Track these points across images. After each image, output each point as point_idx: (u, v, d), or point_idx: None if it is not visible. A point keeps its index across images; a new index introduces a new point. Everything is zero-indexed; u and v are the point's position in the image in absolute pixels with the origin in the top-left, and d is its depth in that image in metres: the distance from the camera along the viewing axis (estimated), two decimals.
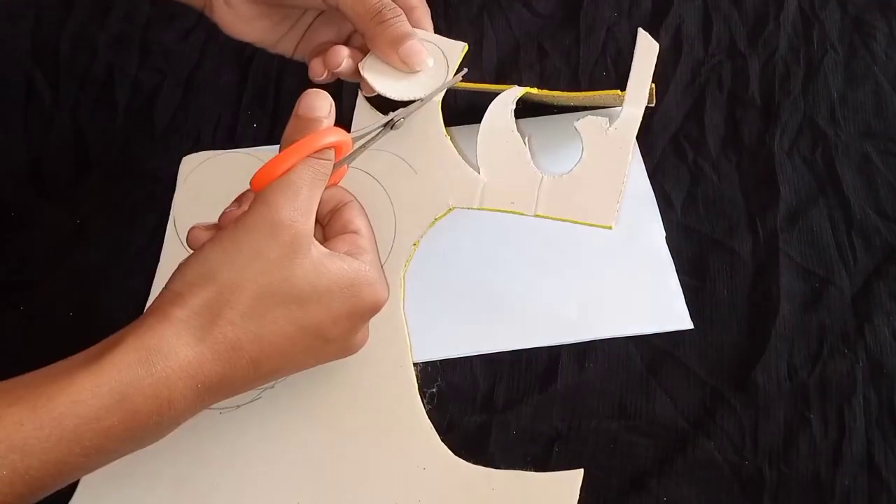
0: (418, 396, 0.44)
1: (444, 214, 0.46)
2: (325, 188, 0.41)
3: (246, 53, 0.60)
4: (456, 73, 0.48)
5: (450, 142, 0.47)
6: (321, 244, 0.39)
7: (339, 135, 0.40)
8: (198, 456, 0.43)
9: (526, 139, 0.47)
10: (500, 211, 0.45)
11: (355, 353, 0.42)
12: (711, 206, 0.53)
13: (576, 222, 0.44)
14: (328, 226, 0.42)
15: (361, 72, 0.47)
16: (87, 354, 0.34)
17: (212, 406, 0.43)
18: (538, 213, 0.45)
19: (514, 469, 0.43)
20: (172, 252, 0.49)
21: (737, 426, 0.45)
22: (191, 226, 0.48)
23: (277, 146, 0.55)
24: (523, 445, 0.45)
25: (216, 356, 0.35)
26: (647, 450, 0.45)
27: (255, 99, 0.58)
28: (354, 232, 0.41)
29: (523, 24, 0.62)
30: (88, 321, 0.48)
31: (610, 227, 0.44)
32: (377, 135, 0.45)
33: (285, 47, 0.50)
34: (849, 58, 0.60)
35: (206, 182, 0.51)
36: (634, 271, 0.49)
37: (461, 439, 0.45)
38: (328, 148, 0.39)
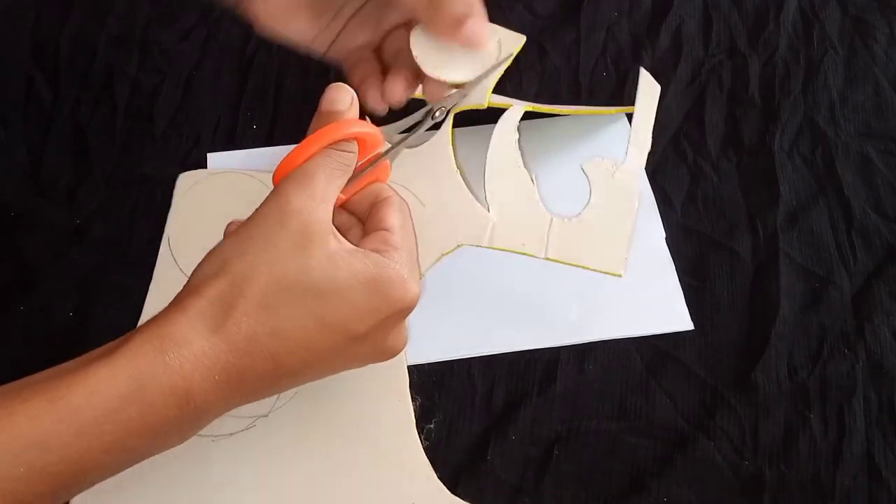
0: (416, 431, 0.44)
1: (452, 251, 0.46)
2: (367, 184, 0.40)
3: (246, 54, 0.60)
4: (505, 59, 0.46)
5: (461, 177, 0.47)
6: (356, 243, 0.37)
7: (361, 126, 0.38)
8: (190, 484, 0.42)
9: (533, 177, 0.48)
10: (510, 251, 0.46)
11: (394, 356, 0.40)
12: (711, 206, 0.53)
13: (586, 268, 0.45)
14: (366, 223, 0.41)
15: (412, 49, 0.44)
16: (104, 348, 0.33)
17: (204, 434, 0.42)
18: (549, 256, 0.45)
19: (514, 472, 0.43)
20: (165, 269, 0.48)
21: (737, 426, 0.45)
22: (184, 244, 0.48)
23: (276, 147, 0.55)
24: (523, 448, 0.45)
25: (232, 347, 0.33)
26: (647, 450, 0.45)
27: (255, 100, 0.58)
28: (385, 229, 0.39)
29: (524, 25, 0.62)
30: (88, 321, 0.48)
31: (620, 275, 0.45)
32: (415, 127, 0.43)
33: (319, 44, 0.48)
34: (849, 58, 0.60)
35: (203, 200, 0.50)
36: (634, 272, 0.49)
37: (459, 442, 0.45)
38: (348, 139, 0.38)
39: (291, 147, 0.50)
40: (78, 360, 0.33)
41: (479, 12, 0.43)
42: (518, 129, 0.48)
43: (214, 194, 0.51)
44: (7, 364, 0.47)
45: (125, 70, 0.59)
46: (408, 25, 0.45)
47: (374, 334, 0.37)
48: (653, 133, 0.55)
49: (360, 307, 0.36)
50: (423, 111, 0.44)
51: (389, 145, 0.41)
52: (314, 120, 0.39)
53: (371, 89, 0.45)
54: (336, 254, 0.35)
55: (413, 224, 0.41)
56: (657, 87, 0.49)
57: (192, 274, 0.36)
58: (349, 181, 0.38)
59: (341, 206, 0.40)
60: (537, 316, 0.48)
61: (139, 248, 0.51)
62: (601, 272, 0.45)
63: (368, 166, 0.40)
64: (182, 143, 0.55)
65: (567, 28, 0.61)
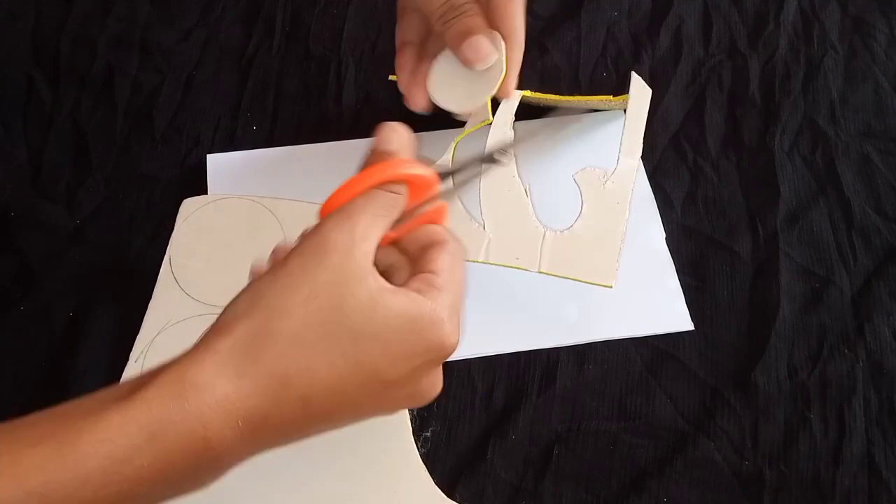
0: (412, 439, 0.44)
1: None
2: (420, 223, 0.39)
3: (246, 55, 0.60)
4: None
5: (457, 197, 0.48)
6: (401, 284, 0.36)
7: (413, 167, 0.37)
8: None
9: (527, 188, 0.48)
10: (505, 266, 0.47)
11: (427, 402, 0.37)
12: (711, 206, 0.53)
13: (578, 280, 0.46)
14: (414, 264, 0.39)
15: (427, 82, 0.47)
16: (121, 388, 0.31)
17: None
18: (542, 269, 0.46)
19: (514, 471, 0.43)
20: (165, 288, 0.48)
21: (737, 426, 0.45)
22: (186, 265, 0.48)
23: (275, 148, 0.55)
24: (523, 448, 0.45)
25: (259, 390, 0.31)
26: (647, 450, 0.45)
27: (255, 101, 0.58)
28: (431, 271, 0.36)
29: (524, 26, 0.61)
30: (88, 321, 0.48)
31: (610, 287, 0.45)
32: (472, 167, 0.43)
33: None
34: (849, 58, 0.60)
35: (205, 224, 0.50)
36: (635, 272, 0.49)
37: (460, 442, 0.45)
38: (397, 180, 0.36)
39: (291, 148, 0.50)
40: (97, 396, 0.32)
41: (488, 33, 0.45)
42: (514, 128, 0.49)
43: (217, 219, 0.51)
44: (7, 364, 0.47)
45: (125, 70, 0.59)
46: None
47: (408, 380, 0.35)
48: (653, 133, 0.55)
49: (395, 349, 0.34)
50: (485, 153, 0.44)
51: (449, 186, 0.40)
52: (367, 156, 0.37)
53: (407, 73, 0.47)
54: (375, 292, 0.34)
55: (465, 271, 0.38)
56: (648, 92, 0.50)
57: (221, 313, 0.34)
58: (400, 220, 0.37)
59: (392, 244, 0.39)
60: (537, 316, 0.48)
61: (139, 248, 0.51)
62: (592, 284, 0.46)
63: (420, 207, 0.39)
64: (182, 144, 0.55)
65: (567, 28, 0.61)
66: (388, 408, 0.37)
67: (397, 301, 0.34)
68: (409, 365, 0.35)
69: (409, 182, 0.37)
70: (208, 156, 0.54)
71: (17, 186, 0.53)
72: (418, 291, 0.35)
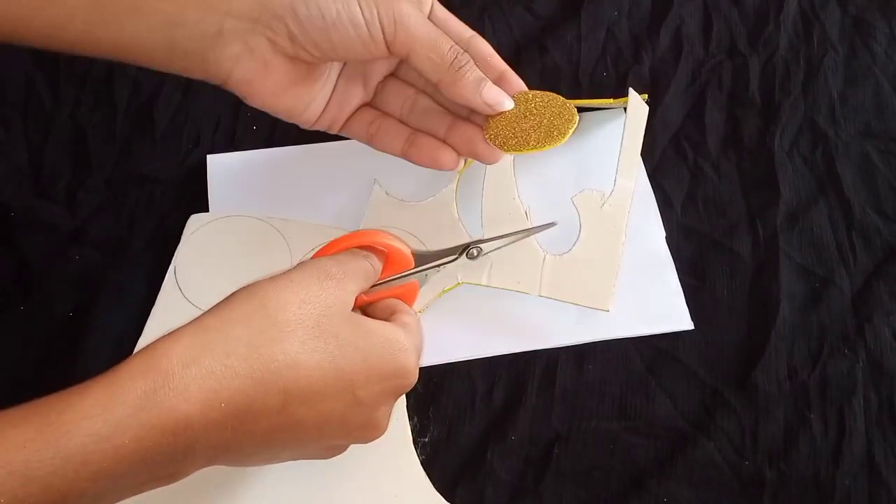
0: (413, 448, 0.44)
1: (452, 288, 0.48)
2: (391, 294, 0.42)
3: None
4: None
5: (461, 225, 0.50)
6: None
7: (393, 239, 0.42)
8: (187, 494, 0.41)
9: (527, 211, 0.49)
10: (507, 289, 0.48)
11: (375, 438, 0.38)
12: (711, 206, 0.53)
13: (577, 304, 0.47)
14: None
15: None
16: (112, 368, 0.31)
17: None
18: (542, 293, 0.47)
19: (514, 472, 0.43)
20: (168, 298, 0.48)
21: (737, 426, 0.45)
22: (191, 277, 0.49)
23: (275, 148, 0.55)
24: (522, 448, 0.45)
25: (246, 371, 0.32)
26: (647, 450, 0.45)
27: None
28: (402, 322, 0.40)
29: (524, 26, 0.62)
30: (88, 321, 0.48)
31: (607, 310, 0.46)
32: (447, 257, 0.46)
33: (313, 111, 0.46)
34: (849, 58, 0.60)
35: (211, 240, 0.50)
36: (635, 272, 0.49)
37: (460, 443, 0.45)
38: (377, 246, 0.41)
39: (292, 148, 0.52)
40: (83, 383, 0.31)
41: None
42: None
43: (223, 235, 0.51)
44: (7, 364, 0.47)
45: (125, 70, 0.59)
46: (395, 74, 0.47)
47: (372, 403, 0.36)
48: (653, 133, 0.55)
49: (371, 364, 0.36)
50: (459, 246, 0.46)
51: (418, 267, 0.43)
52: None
53: (445, 150, 0.46)
54: (357, 315, 0.37)
55: (423, 340, 0.41)
56: (645, 109, 0.50)
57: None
58: (374, 287, 0.41)
59: (361, 308, 0.41)
60: (537, 317, 0.48)
61: (139, 248, 0.51)
62: (590, 308, 0.47)
63: (394, 278, 0.42)
64: (182, 144, 0.55)
65: (567, 28, 0.61)
66: (352, 426, 0.37)
67: (377, 324, 0.37)
68: (379, 386, 0.36)
69: (388, 252, 0.42)
70: (208, 156, 0.54)
71: (18, 186, 0.53)
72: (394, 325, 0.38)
